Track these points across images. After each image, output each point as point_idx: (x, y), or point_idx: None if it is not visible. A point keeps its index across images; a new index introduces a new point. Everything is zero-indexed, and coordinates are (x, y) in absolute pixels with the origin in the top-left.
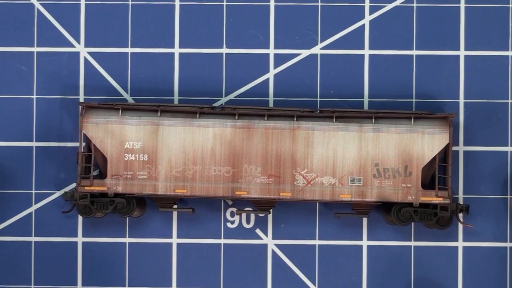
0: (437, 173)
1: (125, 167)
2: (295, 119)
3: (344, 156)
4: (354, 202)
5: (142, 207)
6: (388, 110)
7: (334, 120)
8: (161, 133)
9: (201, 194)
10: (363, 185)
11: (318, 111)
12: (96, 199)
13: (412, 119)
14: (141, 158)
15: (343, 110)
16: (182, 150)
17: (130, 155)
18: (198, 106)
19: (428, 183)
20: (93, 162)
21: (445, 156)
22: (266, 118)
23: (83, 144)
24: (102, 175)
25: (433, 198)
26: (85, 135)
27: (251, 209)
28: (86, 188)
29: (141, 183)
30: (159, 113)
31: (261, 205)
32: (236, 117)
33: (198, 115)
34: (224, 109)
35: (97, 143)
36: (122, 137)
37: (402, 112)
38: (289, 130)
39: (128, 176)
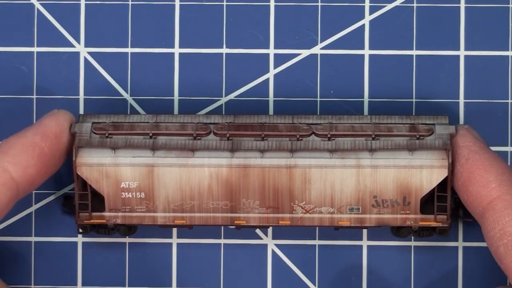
0: (435, 202)
1: (122, 203)
2: (291, 155)
3: (342, 190)
4: (353, 227)
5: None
6: (386, 133)
7: (331, 156)
8: (156, 173)
9: (200, 223)
10: (362, 213)
11: (314, 133)
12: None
13: (411, 152)
14: (138, 195)
15: (339, 134)
16: (178, 187)
17: (126, 193)
18: (192, 132)
19: (426, 201)
20: (90, 200)
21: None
22: (262, 154)
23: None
24: (102, 203)
25: (432, 222)
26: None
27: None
28: (85, 221)
29: (140, 215)
30: (153, 152)
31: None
32: (232, 154)
33: (192, 153)
34: (218, 134)
35: (92, 184)
36: (118, 178)
37: (400, 134)
38: (286, 168)
39: (127, 210)
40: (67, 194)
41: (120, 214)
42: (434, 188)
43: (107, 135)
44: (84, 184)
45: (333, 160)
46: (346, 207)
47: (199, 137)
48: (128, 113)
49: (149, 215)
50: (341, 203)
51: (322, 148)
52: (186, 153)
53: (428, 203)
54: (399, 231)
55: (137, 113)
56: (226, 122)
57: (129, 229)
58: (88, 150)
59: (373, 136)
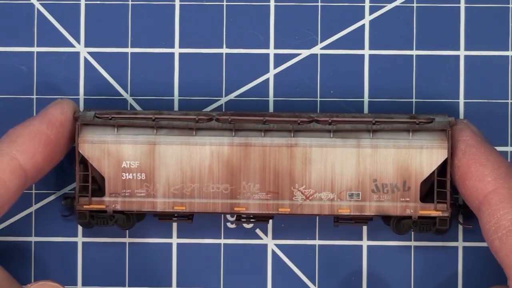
0: (436, 187)
1: (123, 186)
2: (292, 134)
3: (342, 172)
4: (353, 216)
5: (142, 216)
6: (386, 119)
7: (331, 135)
8: (158, 152)
9: (200, 210)
10: (361, 200)
11: (315, 121)
12: (96, 213)
13: (410, 133)
14: (138, 177)
15: (340, 120)
16: (179, 168)
17: (127, 174)
18: (194, 117)
19: (426, 194)
20: (91, 181)
21: (443, 169)
22: (263, 134)
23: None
24: (101, 189)
25: (432, 211)
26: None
27: (247, 220)
28: (85, 206)
29: (139, 200)
30: (155, 131)
31: (259, 218)
32: (233, 133)
33: (194, 132)
34: (220, 120)
35: (94, 163)
36: (119, 157)
37: (400, 121)
38: (287, 147)
39: (127, 194)
40: (67, 194)
41: (119, 199)
42: (434, 179)
43: (110, 117)
44: (85, 170)
45: (334, 140)
46: (346, 193)
47: (201, 121)
48: None
49: (149, 201)
50: (341, 188)
51: (323, 129)
52: (188, 132)
53: (428, 197)
54: (399, 225)
55: None
56: (228, 112)
57: (128, 220)
58: (91, 128)
59: (373, 122)
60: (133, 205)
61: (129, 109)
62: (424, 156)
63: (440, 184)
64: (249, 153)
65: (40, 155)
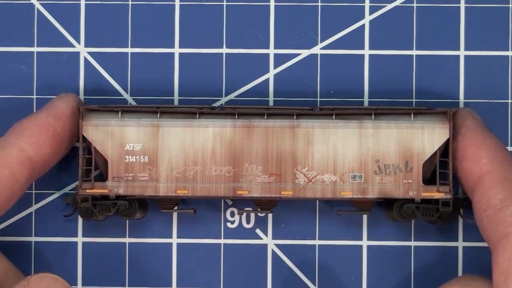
0: (438, 168)
1: (126, 169)
2: (294, 117)
3: (345, 153)
4: (355, 200)
5: (144, 209)
6: (388, 106)
7: (333, 118)
8: (161, 134)
9: (202, 195)
10: (364, 182)
11: (318, 109)
12: (98, 202)
13: (412, 115)
14: (141, 160)
15: (343, 108)
16: (182, 150)
17: (130, 157)
18: (197, 106)
19: (429, 179)
20: (94, 165)
21: (445, 151)
22: (265, 117)
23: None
24: (103, 177)
25: (435, 193)
26: (85, 138)
27: (251, 209)
28: (87, 191)
29: (142, 184)
30: (158, 115)
31: (262, 205)
32: (236, 116)
33: (197, 115)
34: (224, 109)
35: (97, 146)
36: (122, 139)
37: (402, 108)
38: (289, 128)
39: (129, 178)
40: (69, 193)
41: (122, 183)
42: (436, 162)
43: (114, 107)
44: (88, 151)
45: (336, 121)
46: (348, 175)
47: (204, 110)
48: None
49: (152, 185)
50: (343, 170)
51: (326, 113)
52: (192, 116)
53: (431, 182)
54: (402, 210)
55: None
56: (231, 105)
57: (130, 207)
58: (96, 113)
59: (375, 109)
60: (136, 189)
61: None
62: (426, 136)
63: (442, 167)
64: (251, 135)
65: (48, 147)
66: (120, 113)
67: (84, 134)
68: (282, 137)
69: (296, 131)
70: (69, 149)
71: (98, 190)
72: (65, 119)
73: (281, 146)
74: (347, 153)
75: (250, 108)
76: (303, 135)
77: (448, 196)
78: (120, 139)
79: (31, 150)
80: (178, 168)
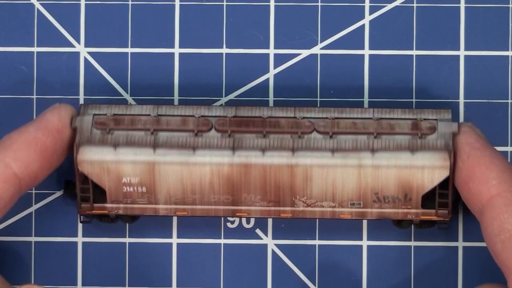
0: (437, 198)
1: (124, 196)
2: (292, 153)
3: (344, 186)
4: (354, 219)
5: None
6: (389, 131)
7: (332, 155)
8: (158, 170)
9: (202, 215)
10: (363, 207)
11: (315, 130)
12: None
13: (413, 153)
14: (139, 190)
15: (341, 132)
16: (180, 183)
17: (128, 187)
18: (192, 129)
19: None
20: (92, 192)
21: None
22: (263, 153)
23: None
24: (103, 193)
25: (433, 216)
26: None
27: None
28: (87, 211)
29: (141, 206)
30: (154, 150)
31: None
32: (233, 152)
33: (193, 151)
34: (219, 130)
35: (94, 178)
36: (119, 173)
37: (404, 132)
38: (287, 167)
39: (128, 202)
40: (69, 180)
41: (121, 205)
42: (435, 191)
43: (108, 130)
44: (85, 176)
45: (335, 160)
46: (347, 202)
47: (200, 133)
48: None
49: (151, 207)
50: (342, 199)
51: (324, 148)
52: (188, 151)
53: (430, 198)
54: (400, 223)
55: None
56: (227, 117)
57: (133, 218)
58: (89, 148)
59: (375, 135)
60: (135, 210)
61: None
62: (426, 174)
63: (441, 194)
64: (249, 171)
65: (36, 163)
66: (115, 148)
67: (79, 168)
68: (280, 174)
69: (294, 169)
70: (61, 163)
71: (97, 211)
72: (55, 133)
73: (279, 180)
74: (346, 187)
75: (246, 130)
76: (301, 173)
77: (447, 219)
78: (116, 173)
79: (17, 167)
80: (176, 196)
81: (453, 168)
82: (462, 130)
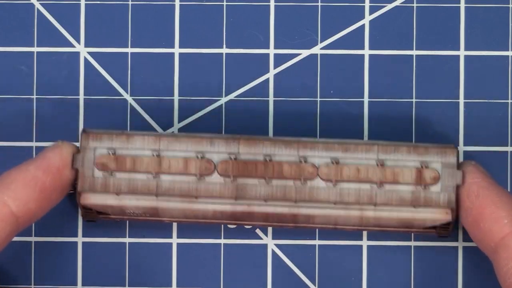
0: (438, 231)
1: (128, 216)
2: (295, 202)
3: (345, 224)
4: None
5: None
6: (392, 181)
7: (334, 205)
8: (162, 211)
9: (205, 222)
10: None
11: (319, 176)
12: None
13: (414, 207)
14: (143, 216)
15: (344, 180)
16: (183, 215)
17: (131, 213)
18: (194, 174)
19: None
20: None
21: None
22: (265, 201)
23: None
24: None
25: (434, 233)
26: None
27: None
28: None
29: (145, 218)
30: (156, 195)
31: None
32: (235, 200)
33: (196, 198)
34: (221, 174)
35: (97, 209)
36: (122, 208)
37: (407, 182)
38: (290, 216)
39: (132, 216)
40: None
41: (126, 217)
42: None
43: (110, 173)
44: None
45: (337, 211)
46: (349, 228)
47: (202, 177)
48: (128, 114)
49: (154, 219)
50: (344, 226)
51: (327, 199)
52: (189, 198)
53: None
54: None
55: (138, 114)
56: (230, 157)
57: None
58: (92, 193)
59: (378, 185)
60: (139, 220)
61: (128, 110)
62: (428, 217)
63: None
64: (251, 216)
65: (34, 202)
66: (117, 195)
67: (83, 204)
68: (282, 220)
69: (296, 217)
70: (60, 200)
71: (103, 217)
72: (56, 173)
73: (281, 223)
74: (348, 222)
75: (249, 173)
76: (303, 219)
77: (446, 235)
78: (120, 209)
79: (15, 206)
80: (179, 218)
81: (460, 209)
82: (467, 170)
